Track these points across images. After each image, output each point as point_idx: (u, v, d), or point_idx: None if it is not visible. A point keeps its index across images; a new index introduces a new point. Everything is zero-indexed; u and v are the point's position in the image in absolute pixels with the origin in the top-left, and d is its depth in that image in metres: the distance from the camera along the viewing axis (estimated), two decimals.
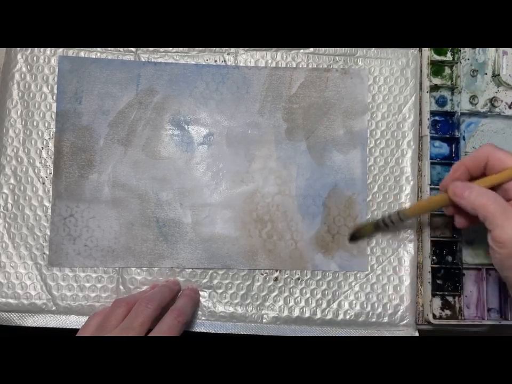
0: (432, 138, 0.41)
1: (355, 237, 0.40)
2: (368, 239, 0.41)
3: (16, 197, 0.40)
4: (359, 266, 0.40)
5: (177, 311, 0.35)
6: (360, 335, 0.40)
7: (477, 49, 0.43)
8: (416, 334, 0.40)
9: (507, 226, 0.31)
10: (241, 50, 0.42)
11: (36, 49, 0.41)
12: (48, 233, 0.39)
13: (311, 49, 0.42)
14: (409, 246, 0.41)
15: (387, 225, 0.39)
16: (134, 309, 0.34)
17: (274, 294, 0.40)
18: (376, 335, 0.40)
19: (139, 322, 0.33)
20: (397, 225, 0.40)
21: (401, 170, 0.41)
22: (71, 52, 0.41)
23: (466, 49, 0.43)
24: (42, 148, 0.40)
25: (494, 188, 0.34)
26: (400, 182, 0.41)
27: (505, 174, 0.33)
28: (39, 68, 0.41)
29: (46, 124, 0.40)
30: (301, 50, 0.42)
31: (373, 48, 0.42)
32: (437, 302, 0.40)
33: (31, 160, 0.40)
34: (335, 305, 0.40)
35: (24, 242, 0.39)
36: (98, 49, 0.41)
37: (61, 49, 0.41)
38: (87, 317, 0.37)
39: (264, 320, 0.40)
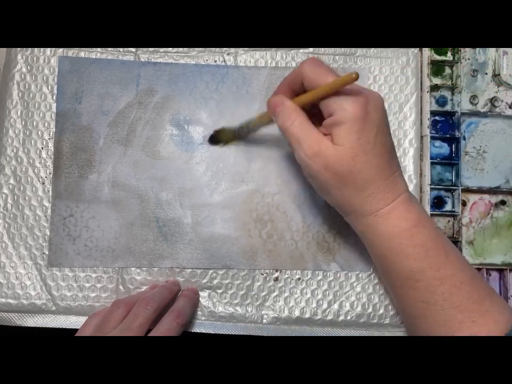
0: (433, 138, 0.41)
1: (214, 139, 0.41)
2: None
3: (15, 197, 0.40)
4: (361, 266, 0.40)
5: (176, 312, 0.35)
6: (361, 335, 0.40)
7: (477, 49, 0.43)
8: None
9: (298, 151, 0.32)
10: (240, 50, 0.42)
11: (36, 49, 0.41)
12: (48, 233, 0.39)
13: (311, 49, 0.42)
14: None
15: (241, 134, 0.40)
16: (133, 310, 0.34)
17: (275, 294, 0.40)
18: (377, 335, 0.40)
19: (138, 324, 0.33)
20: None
21: (403, 169, 0.41)
22: (71, 52, 0.41)
23: (467, 49, 0.43)
24: (42, 148, 0.40)
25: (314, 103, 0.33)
26: None
27: (312, 95, 0.32)
28: (39, 68, 0.41)
29: (46, 124, 0.40)
30: (301, 50, 0.42)
31: (373, 48, 0.42)
32: None
33: (31, 160, 0.40)
34: (336, 306, 0.40)
35: (24, 243, 0.39)
36: (98, 49, 0.41)
37: (61, 50, 0.41)
38: (87, 317, 0.37)
39: (264, 321, 0.40)
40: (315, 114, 0.33)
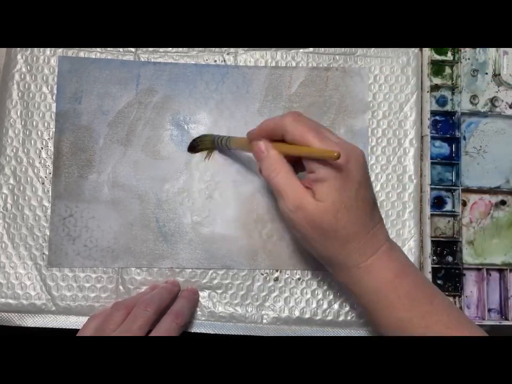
0: (433, 138, 0.41)
1: (194, 148, 0.41)
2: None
3: (15, 197, 0.40)
4: None
5: (175, 313, 0.35)
6: (360, 336, 0.40)
7: (478, 49, 0.43)
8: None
9: (280, 202, 0.32)
10: (240, 50, 0.42)
11: (35, 49, 0.41)
12: (48, 233, 0.39)
13: (311, 48, 0.42)
14: (413, 246, 0.40)
15: (220, 145, 0.39)
16: (133, 312, 0.34)
17: (275, 294, 0.40)
18: (377, 335, 0.40)
19: (137, 326, 0.33)
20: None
21: (403, 168, 0.41)
22: (71, 52, 0.41)
23: (467, 49, 0.43)
24: (42, 148, 0.40)
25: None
26: (403, 181, 0.41)
27: (295, 151, 0.32)
28: (38, 68, 0.41)
29: (46, 124, 0.40)
30: (301, 50, 0.42)
31: (373, 47, 0.42)
32: None
33: (31, 160, 0.40)
34: (336, 306, 0.40)
35: (24, 243, 0.39)
36: (98, 49, 0.41)
37: (60, 50, 0.41)
38: (87, 317, 0.37)
39: (264, 321, 0.40)
40: (296, 161, 0.33)
